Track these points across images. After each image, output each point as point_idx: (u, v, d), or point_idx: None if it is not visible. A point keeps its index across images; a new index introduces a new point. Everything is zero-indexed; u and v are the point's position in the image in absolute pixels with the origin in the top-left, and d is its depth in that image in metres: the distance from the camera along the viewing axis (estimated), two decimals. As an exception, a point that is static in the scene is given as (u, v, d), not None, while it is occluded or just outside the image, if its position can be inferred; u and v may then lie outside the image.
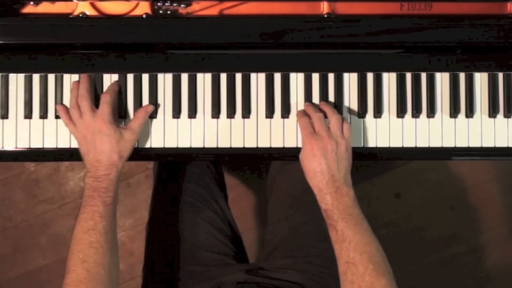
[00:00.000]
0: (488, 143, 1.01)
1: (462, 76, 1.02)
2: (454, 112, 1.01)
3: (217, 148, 1.00)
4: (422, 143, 1.01)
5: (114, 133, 0.93)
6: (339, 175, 0.91)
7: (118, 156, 0.93)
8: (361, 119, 1.01)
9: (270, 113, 1.00)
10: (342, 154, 0.93)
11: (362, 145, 1.01)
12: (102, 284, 0.85)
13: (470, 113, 1.01)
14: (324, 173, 0.91)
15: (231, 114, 1.00)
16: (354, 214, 0.89)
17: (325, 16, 0.98)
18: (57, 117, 1.00)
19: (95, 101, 0.97)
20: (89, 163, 0.93)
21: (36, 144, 1.00)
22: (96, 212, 0.89)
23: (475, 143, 1.01)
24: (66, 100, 1.00)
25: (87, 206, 0.90)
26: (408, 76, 1.01)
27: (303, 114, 0.97)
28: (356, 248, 0.86)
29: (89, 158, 0.93)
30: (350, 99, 1.01)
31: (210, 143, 1.00)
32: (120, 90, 1.00)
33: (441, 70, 1.01)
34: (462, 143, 1.01)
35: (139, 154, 1.00)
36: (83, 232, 0.88)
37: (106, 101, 0.95)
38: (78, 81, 0.98)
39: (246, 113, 1.00)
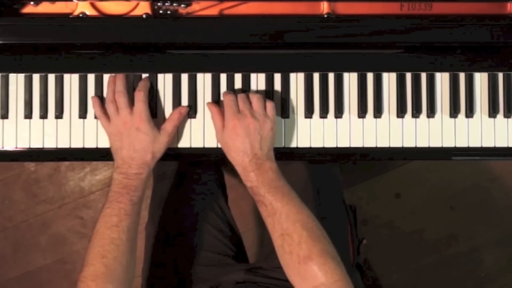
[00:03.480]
0: (488, 143, 1.01)
1: (462, 76, 1.02)
2: (454, 112, 1.01)
3: (217, 148, 1.00)
4: (422, 143, 1.01)
5: (151, 133, 0.93)
6: (262, 153, 0.92)
7: (151, 156, 0.93)
8: (361, 119, 1.01)
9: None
10: (266, 133, 0.93)
11: (362, 145, 1.01)
12: (118, 281, 0.86)
13: (470, 113, 1.01)
14: (247, 151, 0.91)
15: (231, 114, 1.00)
16: (279, 187, 0.90)
17: (325, 16, 0.98)
18: (57, 117, 1.00)
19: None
20: (121, 159, 0.93)
21: (36, 144, 1.00)
22: (122, 209, 0.89)
23: (475, 143, 1.01)
24: (66, 100, 1.00)
25: (114, 201, 0.90)
26: (408, 76, 1.01)
27: (229, 92, 0.97)
28: (287, 219, 0.87)
29: (122, 154, 0.93)
30: (350, 99, 1.01)
31: (210, 143, 1.00)
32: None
33: (441, 70, 1.01)
34: (462, 143, 1.01)
35: (139, 154, 0.99)
36: (106, 228, 0.89)
37: (141, 99, 0.94)
38: (114, 76, 0.98)
39: (246, 113, 1.00)
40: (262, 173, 0.90)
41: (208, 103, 0.98)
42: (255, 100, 0.94)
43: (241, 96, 0.95)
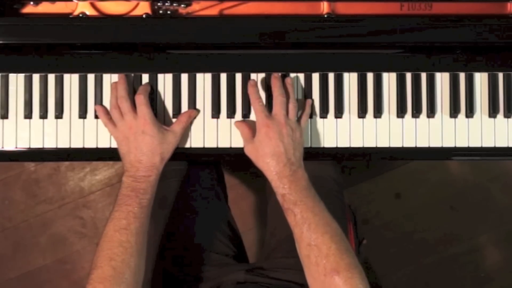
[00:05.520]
0: (488, 143, 1.01)
1: (462, 76, 1.02)
2: (454, 112, 1.01)
3: (217, 148, 1.00)
4: (422, 143, 1.01)
5: (157, 134, 0.93)
6: (295, 159, 0.92)
7: (159, 158, 0.93)
8: (361, 119, 1.01)
9: (270, 113, 1.00)
10: (297, 139, 0.94)
11: (362, 145, 1.01)
12: (126, 283, 0.85)
13: (470, 113, 1.01)
14: (281, 156, 0.91)
15: (231, 114, 1.00)
16: (310, 196, 0.90)
17: (325, 16, 0.98)
18: (57, 117, 1.00)
19: (100, 102, 0.99)
20: (129, 163, 0.93)
21: (36, 144, 1.00)
22: (130, 212, 0.89)
23: (475, 143, 1.01)
24: (66, 100, 1.00)
25: (122, 204, 0.90)
26: (408, 76, 1.02)
27: (257, 96, 0.96)
28: (317, 229, 0.86)
29: (129, 158, 0.93)
30: (350, 99, 1.01)
31: (210, 143, 1.00)
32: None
33: (441, 70, 1.01)
34: (462, 143, 1.01)
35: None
36: (115, 231, 0.88)
37: (142, 102, 0.94)
38: (116, 82, 0.98)
39: (247, 113, 1.00)
40: (295, 181, 0.90)
41: (235, 123, 0.99)
42: (291, 107, 0.95)
43: (280, 101, 0.95)
